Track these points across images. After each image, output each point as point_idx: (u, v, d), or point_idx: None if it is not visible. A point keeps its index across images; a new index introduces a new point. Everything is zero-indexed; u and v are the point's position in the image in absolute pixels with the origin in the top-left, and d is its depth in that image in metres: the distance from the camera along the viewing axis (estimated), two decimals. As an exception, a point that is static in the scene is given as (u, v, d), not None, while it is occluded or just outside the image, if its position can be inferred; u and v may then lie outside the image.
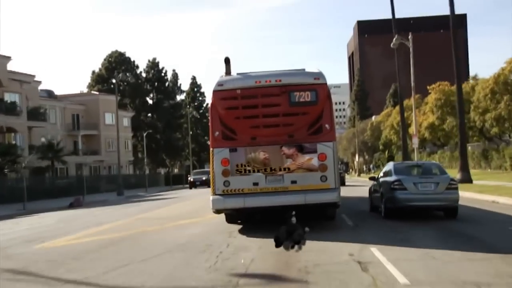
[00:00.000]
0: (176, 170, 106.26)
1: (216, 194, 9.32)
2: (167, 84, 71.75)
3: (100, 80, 64.78)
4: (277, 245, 6.85)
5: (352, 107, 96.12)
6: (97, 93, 56.95)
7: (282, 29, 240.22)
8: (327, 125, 9.29)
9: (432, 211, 11.28)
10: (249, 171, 9.23)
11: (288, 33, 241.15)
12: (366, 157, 77.66)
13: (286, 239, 6.94)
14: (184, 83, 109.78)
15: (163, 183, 56.74)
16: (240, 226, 10.43)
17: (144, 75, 69.96)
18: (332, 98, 9.97)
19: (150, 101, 71.02)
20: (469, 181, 23.04)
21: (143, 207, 19.48)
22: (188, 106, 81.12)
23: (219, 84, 9.50)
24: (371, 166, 70.34)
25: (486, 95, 34.23)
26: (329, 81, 9.75)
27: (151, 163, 71.25)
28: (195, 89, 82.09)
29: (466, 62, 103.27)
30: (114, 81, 66.62)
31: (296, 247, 6.71)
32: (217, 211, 9.75)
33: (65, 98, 52.05)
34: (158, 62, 70.84)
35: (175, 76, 79.85)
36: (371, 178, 14.12)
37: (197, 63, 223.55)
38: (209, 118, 9.84)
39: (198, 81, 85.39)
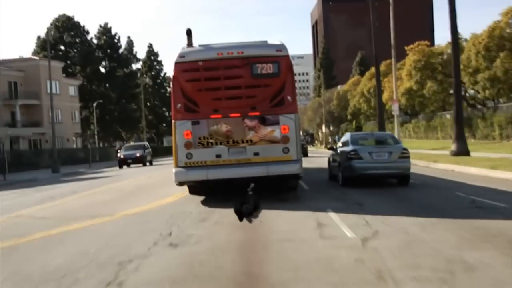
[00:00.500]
0: (132, 143, 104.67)
1: (178, 167, 9.82)
2: (120, 51, 69.81)
3: (46, 46, 62.02)
4: (241, 219, 7.43)
5: (317, 76, 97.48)
6: (37, 58, 52.65)
7: (242, 1, 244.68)
8: (289, 97, 9.89)
9: (386, 178, 12.53)
10: (212, 143, 9.76)
11: (248, 6, 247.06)
12: (332, 128, 78.69)
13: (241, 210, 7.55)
14: (141, 52, 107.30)
15: (115, 157, 55.37)
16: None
17: (95, 41, 67.95)
18: (295, 69, 10.60)
19: (103, 70, 69.44)
20: (467, 153, 20.26)
21: (64, 190, 16.36)
22: (144, 76, 79.65)
23: (181, 56, 9.83)
24: (336, 137, 71.68)
25: (478, 52, 30.56)
26: (292, 52, 10.37)
27: (104, 136, 69.44)
28: (152, 58, 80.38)
29: (431, 29, 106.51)
30: (62, 47, 64.83)
31: (252, 216, 7.33)
32: (180, 183, 10.28)
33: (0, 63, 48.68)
34: (110, 28, 68.94)
35: (130, 43, 77.47)
36: (330, 148, 15.58)
37: (153, 35, 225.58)
38: (171, 90, 10.21)
39: (155, 49, 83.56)
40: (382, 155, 11.86)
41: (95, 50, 67.00)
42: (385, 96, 39.51)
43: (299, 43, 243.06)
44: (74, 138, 56.66)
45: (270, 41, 10.51)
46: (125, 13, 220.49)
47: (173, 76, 9.97)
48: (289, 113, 9.84)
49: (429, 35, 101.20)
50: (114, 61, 68.35)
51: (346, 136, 13.80)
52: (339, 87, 79.05)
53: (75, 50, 65.27)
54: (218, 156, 9.76)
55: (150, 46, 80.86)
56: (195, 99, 9.82)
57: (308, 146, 59.78)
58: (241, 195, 7.07)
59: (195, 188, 11.19)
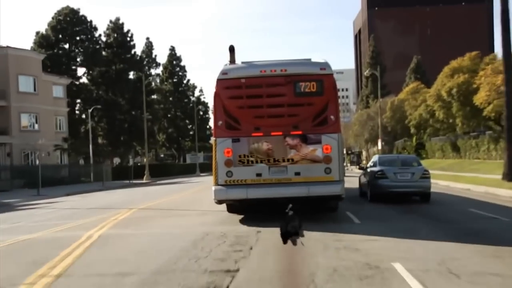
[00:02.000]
0: (145, 160, 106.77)
1: (218, 185, 11.46)
2: (133, 51, 68.85)
3: (46, 44, 60.42)
4: (285, 241, 8.83)
5: (364, 85, 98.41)
6: (5, 46, 45.53)
7: (280, 20, 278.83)
8: (332, 117, 11.40)
9: (410, 196, 16.50)
10: (252, 161, 11.35)
11: (286, 24, 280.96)
12: (383, 145, 77.93)
13: (285, 232, 9.01)
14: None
15: (110, 176, 50.96)
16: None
17: (104, 39, 67.17)
18: (336, 82, 12.07)
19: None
20: None
21: None
22: (164, 82, 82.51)
23: (224, 72, 11.58)
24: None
25: None
26: (332, 67, 11.81)
27: (112, 151, 67.95)
28: (174, 62, 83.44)
29: (491, 38, 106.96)
30: (66, 46, 62.28)
31: (293, 238, 8.72)
32: (219, 202, 11.94)
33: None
34: (122, 24, 68.02)
35: (149, 45, 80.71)
36: (361, 168, 19.66)
37: (192, 55, 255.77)
38: (213, 107, 11.92)
39: (178, 53, 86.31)
40: (405, 175, 15.95)
41: (103, 49, 66.02)
42: (481, 95, 34.55)
43: (338, 58, 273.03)
44: (60, 152, 51.16)
45: (313, 59, 12.08)
46: (165, 28, 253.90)
47: (215, 93, 11.67)
48: (332, 133, 11.32)
49: (488, 43, 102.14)
50: (125, 62, 66.45)
51: (375, 158, 18.76)
52: (390, 97, 78.96)
53: (81, 50, 63.82)
54: (259, 174, 11.33)
55: (172, 49, 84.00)
56: (236, 116, 11.49)
57: (354, 166, 60.38)
58: (280, 214, 8.48)
59: (233, 206, 12.81)
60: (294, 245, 8.18)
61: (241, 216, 12.58)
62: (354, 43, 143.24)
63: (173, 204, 17.94)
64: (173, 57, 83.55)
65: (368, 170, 17.46)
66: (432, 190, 16.61)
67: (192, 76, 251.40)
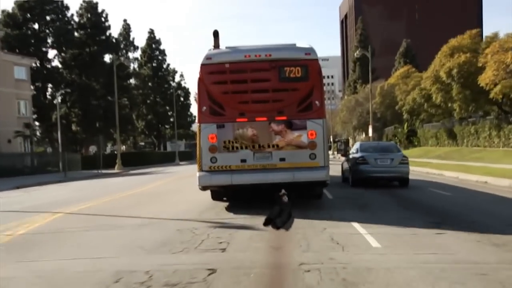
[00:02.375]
0: (123, 148, 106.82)
1: (202, 171, 11.88)
2: (108, 33, 67.78)
3: (12, 23, 59.16)
4: (265, 224, 9.45)
5: (352, 70, 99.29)
6: None
7: (265, 7, 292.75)
8: (317, 102, 11.87)
9: (389, 181, 18.39)
10: (237, 147, 11.78)
11: (271, 12, 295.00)
12: (371, 131, 77.51)
13: (277, 218, 9.61)
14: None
15: (79, 166, 49.65)
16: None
17: (76, 19, 66.35)
18: (321, 67, 12.52)
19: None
20: None
21: None
22: (143, 67, 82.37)
23: (207, 57, 11.93)
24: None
25: None
26: (317, 54, 12.26)
27: (86, 139, 66.83)
28: (153, 46, 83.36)
29: (480, 20, 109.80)
30: (35, 26, 60.20)
31: (285, 226, 9.33)
32: (204, 188, 12.37)
33: None
34: (96, 3, 66.78)
35: (126, 28, 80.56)
36: (343, 155, 21.65)
37: (174, 42, 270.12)
38: (197, 92, 12.29)
39: (157, 36, 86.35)
40: (385, 161, 17.77)
41: (75, 30, 65.04)
42: (487, 75, 32.62)
43: (323, 45, 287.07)
44: (21, 139, 48.36)
45: (298, 44, 12.50)
46: (148, 16, 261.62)
47: (199, 78, 12.03)
48: (317, 118, 11.80)
49: (477, 23, 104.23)
50: (100, 44, 65.32)
51: (356, 145, 20.49)
52: (379, 82, 78.30)
53: (52, 30, 62.10)
54: (243, 160, 11.78)
55: (151, 32, 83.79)
56: (221, 102, 11.89)
57: (341, 155, 60.40)
58: (266, 201, 8.96)
59: (217, 193, 13.25)
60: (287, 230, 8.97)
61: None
62: (340, 28, 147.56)
63: (119, 206, 14.25)
64: (152, 40, 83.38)
65: (350, 156, 19.48)
66: (442, 181, 17.95)
67: (176, 63, 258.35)
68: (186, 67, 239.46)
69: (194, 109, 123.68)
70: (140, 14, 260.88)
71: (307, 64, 11.82)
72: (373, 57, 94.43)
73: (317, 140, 11.76)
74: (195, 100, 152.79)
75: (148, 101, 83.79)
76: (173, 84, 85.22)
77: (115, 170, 44.56)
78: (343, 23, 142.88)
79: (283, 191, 11.24)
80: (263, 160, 11.77)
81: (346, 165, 20.18)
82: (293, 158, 11.74)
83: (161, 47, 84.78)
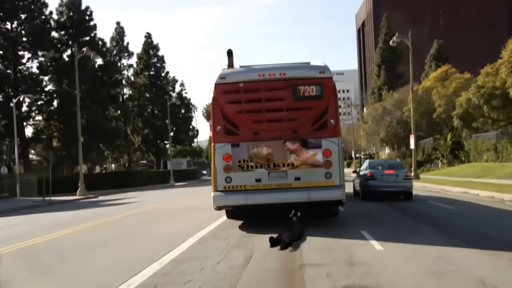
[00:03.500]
0: (113, 167, 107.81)
1: (217, 191, 13.65)
2: (93, 34, 66.36)
3: None
4: (272, 245, 10.85)
5: (375, 75, 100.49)
6: None
7: (279, 26, 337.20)
8: (332, 121, 13.63)
9: (396, 195, 23.30)
10: (252, 167, 13.56)
11: (285, 30, 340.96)
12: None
13: (284, 238, 11.00)
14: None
15: (34, 190, 46.70)
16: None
17: (56, 17, 64.17)
18: (336, 85, 14.31)
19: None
20: None
21: None
22: (139, 75, 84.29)
23: (221, 77, 13.80)
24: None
25: None
26: (331, 68, 14.07)
27: (67, 156, 64.62)
28: (151, 52, 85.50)
29: (510, 18, 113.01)
30: (7, 25, 57.13)
31: (293, 245, 10.73)
32: (218, 208, 14.18)
33: None
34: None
35: (120, 32, 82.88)
36: (354, 172, 28.12)
37: (192, 62, 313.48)
38: (211, 112, 14.14)
39: (155, 41, 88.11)
40: (391, 177, 23.18)
41: (54, 30, 63.17)
42: None
43: (338, 59, 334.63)
44: None
45: (312, 63, 14.32)
46: (162, 43, 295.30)
47: (213, 98, 13.90)
48: (332, 137, 13.57)
49: (507, 24, 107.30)
50: (82, 46, 60.06)
51: (366, 163, 26.40)
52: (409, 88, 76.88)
53: (26, 30, 59.83)
54: (258, 180, 13.54)
55: (148, 36, 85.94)
56: (235, 121, 13.71)
57: (352, 172, 60.48)
58: (281, 220, 10.41)
59: (233, 212, 15.04)
60: (294, 250, 10.39)
61: None
62: (357, 37, 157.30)
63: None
64: (149, 46, 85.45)
65: (361, 173, 25.08)
66: None
67: (192, 83, 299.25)
68: (201, 85, 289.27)
69: (197, 123, 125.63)
70: (156, 32, 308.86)
71: (322, 83, 13.62)
72: (399, 61, 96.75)
73: (332, 158, 13.49)
74: (203, 116, 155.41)
75: (146, 114, 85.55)
76: (174, 94, 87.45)
77: (76, 196, 41.08)
78: (360, 31, 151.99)
79: (292, 212, 12.96)
80: (278, 180, 13.51)
81: (356, 181, 25.67)
82: (308, 177, 13.46)
83: (160, 53, 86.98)
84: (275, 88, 13.60)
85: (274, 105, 13.67)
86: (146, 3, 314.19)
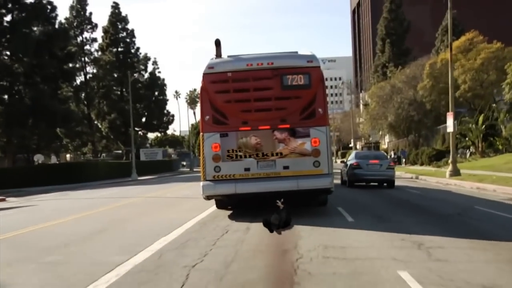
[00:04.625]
0: (69, 158, 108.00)
1: (206, 180, 16.22)
2: None
3: None
4: (268, 228, 13.22)
5: (379, 50, 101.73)
6: None
7: (268, 16, 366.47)
8: (320, 109, 16.22)
9: (379, 183, 30.07)
10: (241, 156, 16.11)
11: (273, 20, 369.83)
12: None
13: (275, 224, 13.46)
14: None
15: None
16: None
17: None
18: (326, 73, 16.87)
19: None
20: None
21: None
22: (105, 52, 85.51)
23: (210, 66, 16.33)
24: (402, 153, 69.73)
25: None
26: (322, 55, 17.14)
27: (8, 143, 63.71)
28: (119, 24, 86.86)
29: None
30: None
31: (280, 229, 13.11)
32: (208, 197, 16.81)
33: None
34: None
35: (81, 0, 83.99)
36: (342, 162, 34.92)
37: (181, 52, 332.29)
38: (200, 102, 16.66)
39: (123, 12, 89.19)
40: (375, 166, 29.36)
41: None
42: None
43: (330, 47, 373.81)
44: None
45: (300, 52, 16.88)
46: (151, 34, 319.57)
47: (201, 88, 16.46)
48: (320, 126, 16.16)
49: None
50: (23, 9, 61.52)
51: (352, 154, 33.40)
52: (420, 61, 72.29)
53: None
54: (247, 169, 16.11)
55: (116, 6, 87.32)
56: (223, 111, 16.26)
57: (340, 161, 63.47)
58: (270, 209, 12.70)
59: (222, 202, 17.62)
60: (279, 234, 12.43)
61: None
62: (352, 19, 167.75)
63: None
64: (117, 17, 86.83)
65: (348, 163, 31.96)
66: None
67: (181, 74, 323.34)
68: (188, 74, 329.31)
69: (171, 107, 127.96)
70: (145, 24, 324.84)
71: (310, 72, 16.21)
72: (406, 34, 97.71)
73: (320, 147, 16.09)
74: (187, 103, 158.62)
75: (112, 96, 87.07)
76: (146, 75, 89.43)
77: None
78: (355, 12, 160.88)
79: (280, 201, 15.39)
80: (267, 169, 16.11)
81: (344, 170, 32.47)
82: (297, 166, 16.05)
83: (129, 26, 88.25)
84: (263, 77, 16.14)
85: (262, 94, 16.20)
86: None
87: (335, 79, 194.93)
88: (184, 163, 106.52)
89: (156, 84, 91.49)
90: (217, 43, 16.76)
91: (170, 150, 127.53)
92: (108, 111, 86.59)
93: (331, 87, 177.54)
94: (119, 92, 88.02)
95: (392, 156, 71.16)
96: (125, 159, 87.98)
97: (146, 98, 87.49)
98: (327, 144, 16.25)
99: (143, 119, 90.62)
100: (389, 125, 74.05)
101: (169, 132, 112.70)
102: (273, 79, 16.05)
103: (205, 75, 16.30)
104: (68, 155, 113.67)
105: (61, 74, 67.50)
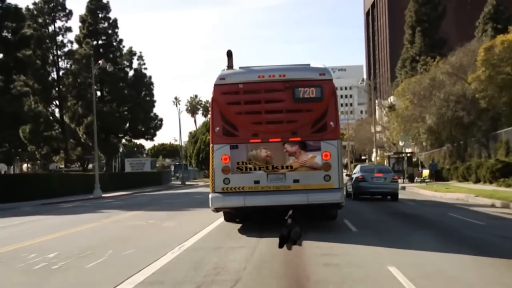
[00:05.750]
0: (24, 168, 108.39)
1: (215, 192, 19.36)
2: None
3: None
4: (281, 245, 15.31)
5: (407, 41, 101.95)
6: None
7: (280, 28, 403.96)
8: (331, 123, 19.33)
9: (383, 196, 37.95)
10: (250, 168, 19.22)
11: (285, 32, 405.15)
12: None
13: (287, 239, 15.94)
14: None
15: None
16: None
17: None
18: (336, 82, 20.07)
19: None
20: None
21: None
22: (82, 45, 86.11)
23: (221, 78, 19.56)
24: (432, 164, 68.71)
25: None
26: (332, 64, 21.34)
27: None
28: (99, 13, 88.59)
29: None
30: None
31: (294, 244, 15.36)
32: (216, 210, 20.08)
33: None
34: None
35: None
36: (347, 175, 42.91)
37: (193, 63, 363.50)
38: (210, 113, 20.01)
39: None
40: (380, 179, 37.29)
41: None
42: None
43: (339, 58, 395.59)
44: None
45: (312, 65, 20.20)
46: (163, 46, 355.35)
47: (212, 98, 19.68)
48: (331, 139, 19.28)
49: None
50: None
51: (357, 167, 41.78)
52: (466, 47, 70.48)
53: None
54: (257, 182, 19.24)
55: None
56: (234, 122, 19.40)
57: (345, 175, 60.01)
58: (279, 222, 15.27)
59: (230, 215, 21.03)
60: (289, 249, 14.80)
61: None
62: (365, 21, 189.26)
63: None
64: (96, 5, 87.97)
65: (353, 176, 39.57)
66: None
67: (193, 85, 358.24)
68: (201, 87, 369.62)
69: (159, 109, 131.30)
70: (155, 35, 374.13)
71: (322, 85, 19.38)
72: (441, 20, 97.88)
73: (331, 161, 19.21)
74: (187, 111, 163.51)
75: (89, 96, 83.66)
76: (131, 72, 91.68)
77: None
78: (369, 14, 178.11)
79: (289, 213, 17.13)
80: (276, 182, 19.25)
81: (349, 183, 39.38)
82: (307, 179, 19.15)
83: (111, 15, 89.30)
84: (275, 89, 19.28)
85: (273, 106, 19.31)
86: (145, 3, 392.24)
87: (346, 88, 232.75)
88: (178, 174, 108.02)
89: (142, 82, 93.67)
90: (229, 54, 19.87)
91: (168, 161, 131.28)
92: (83, 113, 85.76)
93: (340, 96, 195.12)
94: (99, 93, 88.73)
95: (420, 170, 71.87)
96: (105, 170, 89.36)
97: (131, 99, 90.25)
98: (338, 158, 19.34)
99: (126, 125, 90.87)
100: (428, 129, 70.85)
101: (166, 141, 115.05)
102: (285, 91, 19.11)
103: (216, 86, 19.46)
104: (25, 165, 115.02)
105: (15, 64, 65.01)
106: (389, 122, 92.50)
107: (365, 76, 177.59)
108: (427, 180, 66.00)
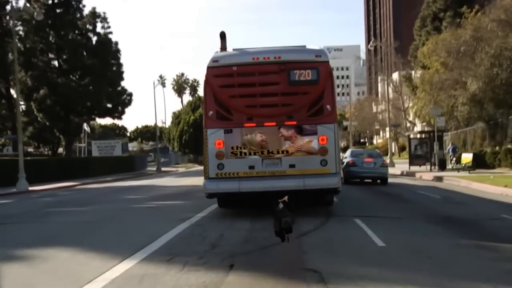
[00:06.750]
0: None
1: (209, 178, 22.59)
2: None
3: None
4: (283, 240, 16.55)
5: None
6: None
7: (272, 11, 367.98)
8: (328, 106, 22.57)
9: (373, 180, 48.17)
10: (245, 153, 22.36)
11: (279, 16, 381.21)
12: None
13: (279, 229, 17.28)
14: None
15: None
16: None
17: None
18: (332, 62, 22.94)
19: None
20: None
21: None
22: (33, 4, 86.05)
23: (214, 60, 22.78)
24: (453, 149, 62.33)
25: None
26: (330, 43, 26.01)
27: None
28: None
29: None
30: None
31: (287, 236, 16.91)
32: (210, 195, 23.40)
33: None
34: None
35: None
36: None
37: (183, 48, 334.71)
38: (203, 96, 23.29)
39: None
40: (369, 164, 46.94)
41: None
42: None
43: (336, 35, 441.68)
44: None
45: (308, 46, 23.53)
46: (155, 23, 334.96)
47: (205, 81, 22.89)
48: (328, 123, 22.48)
49: None
50: None
51: (348, 152, 52.87)
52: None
53: None
54: (252, 167, 22.47)
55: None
56: (228, 106, 22.61)
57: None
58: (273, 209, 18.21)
59: (224, 200, 24.55)
60: (287, 242, 15.87)
61: None
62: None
63: None
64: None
65: (344, 161, 46.17)
66: None
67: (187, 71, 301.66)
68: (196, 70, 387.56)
69: (128, 82, 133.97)
70: (145, 20, 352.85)
71: (318, 67, 22.50)
72: None
73: (328, 145, 22.40)
74: (173, 89, 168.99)
75: (41, 65, 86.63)
76: (94, 37, 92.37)
77: None
78: None
79: (284, 198, 18.71)
80: (272, 167, 22.47)
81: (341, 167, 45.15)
82: (303, 164, 22.35)
83: None
84: (270, 71, 22.37)
85: (268, 89, 22.43)
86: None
87: (342, 68, 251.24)
88: (151, 156, 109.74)
89: (108, 50, 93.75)
90: (222, 35, 23.04)
91: (152, 143, 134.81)
92: (33, 85, 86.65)
93: (337, 77, 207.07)
94: (56, 62, 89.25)
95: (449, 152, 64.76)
96: (65, 154, 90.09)
97: (94, 69, 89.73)
98: (335, 142, 22.39)
99: (88, 103, 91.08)
100: (471, 98, 60.68)
101: (151, 122, 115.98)
102: (280, 73, 21.98)
103: (209, 68, 22.52)
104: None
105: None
106: (406, 96, 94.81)
107: (364, 54, 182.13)
108: (469, 167, 55.65)
